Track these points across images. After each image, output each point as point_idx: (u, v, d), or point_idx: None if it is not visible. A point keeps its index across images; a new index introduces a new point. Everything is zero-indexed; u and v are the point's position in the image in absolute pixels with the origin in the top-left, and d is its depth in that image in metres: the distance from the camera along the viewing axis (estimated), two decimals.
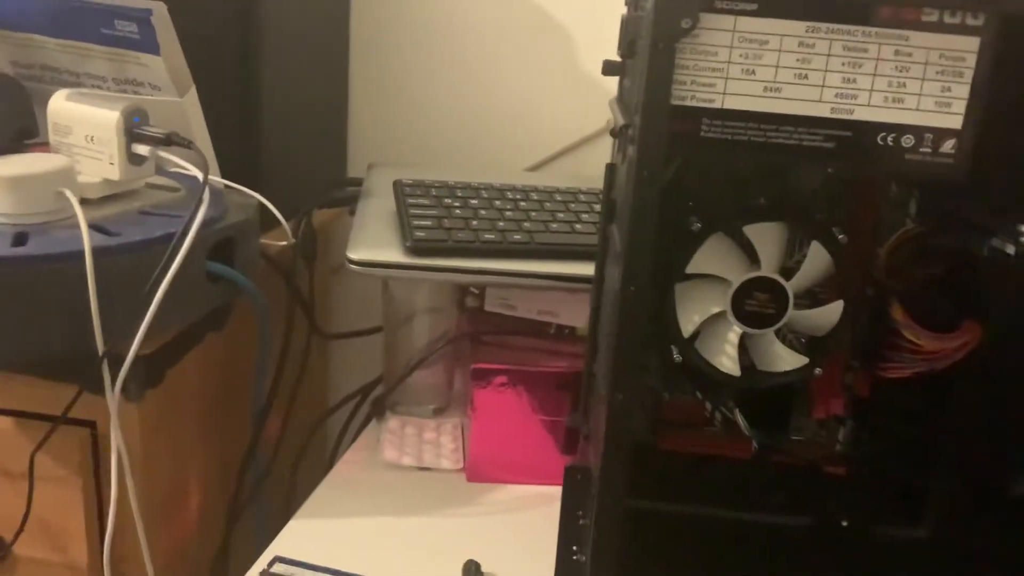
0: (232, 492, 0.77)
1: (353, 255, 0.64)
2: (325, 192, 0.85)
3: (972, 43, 0.41)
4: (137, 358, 0.59)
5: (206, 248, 0.63)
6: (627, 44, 0.49)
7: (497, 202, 0.72)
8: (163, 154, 0.63)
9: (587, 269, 0.59)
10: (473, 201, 0.71)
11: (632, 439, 0.61)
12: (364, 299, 0.99)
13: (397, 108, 1.00)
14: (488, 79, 0.98)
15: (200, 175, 0.59)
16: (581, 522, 0.51)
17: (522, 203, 0.72)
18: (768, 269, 0.51)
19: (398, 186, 0.74)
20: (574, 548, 0.52)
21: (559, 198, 0.74)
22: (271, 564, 0.58)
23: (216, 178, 0.71)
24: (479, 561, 0.59)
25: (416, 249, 0.64)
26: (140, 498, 0.62)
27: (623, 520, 0.49)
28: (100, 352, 0.57)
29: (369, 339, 0.88)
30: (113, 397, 0.58)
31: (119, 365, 0.58)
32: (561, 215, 0.71)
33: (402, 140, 1.00)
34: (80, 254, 0.55)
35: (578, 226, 0.69)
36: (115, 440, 0.59)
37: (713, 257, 0.52)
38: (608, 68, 0.55)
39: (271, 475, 0.79)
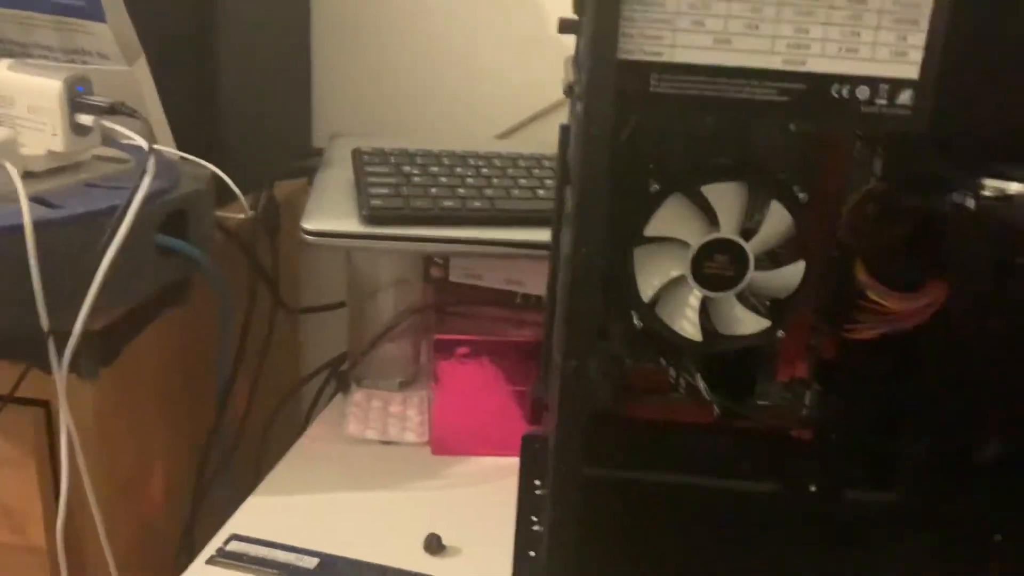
0: (197, 470, 0.76)
1: (308, 225, 0.62)
2: (287, 163, 0.83)
3: None
4: (89, 335, 0.57)
5: (156, 221, 0.61)
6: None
7: (458, 169, 0.70)
8: (108, 124, 0.61)
9: (549, 235, 0.58)
10: (434, 168, 0.70)
11: (593, 407, 0.60)
12: (333, 272, 0.97)
13: (363, 77, 0.98)
14: (456, 44, 0.96)
15: (145, 144, 0.57)
16: (539, 492, 0.50)
17: (484, 170, 0.70)
18: (727, 230, 0.50)
19: (356, 155, 0.72)
20: (533, 519, 0.51)
21: (522, 164, 0.72)
22: (227, 542, 0.57)
23: (170, 149, 0.70)
24: (441, 534, 0.58)
25: (372, 218, 0.62)
26: (97, 479, 0.60)
27: (581, 489, 0.48)
28: (45, 329, 0.55)
29: (342, 313, 0.86)
30: (61, 375, 0.57)
31: (66, 342, 0.56)
32: (524, 181, 0.69)
33: (369, 109, 0.98)
34: (21, 228, 0.54)
35: (541, 192, 0.68)
36: (64, 419, 0.57)
37: (671, 219, 0.50)
38: (564, 26, 0.53)
39: (238, 452, 0.78)
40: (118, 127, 0.60)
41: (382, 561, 0.56)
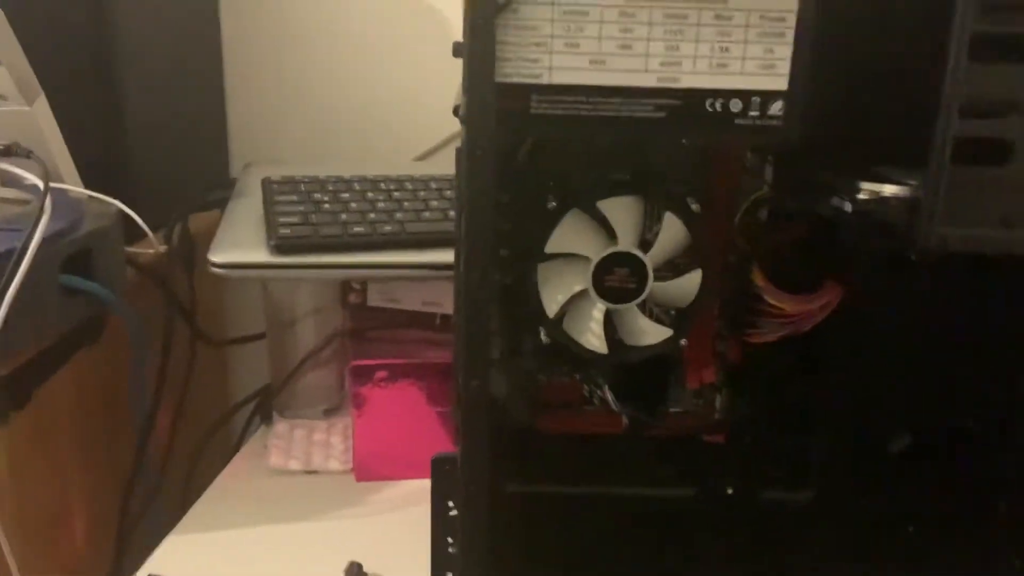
0: (121, 509, 0.75)
1: (215, 257, 0.62)
2: (204, 195, 0.82)
3: (791, 2, 0.41)
4: None
5: (58, 261, 0.60)
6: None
7: (370, 194, 0.70)
8: (4, 166, 0.60)
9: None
10: (344, 195, 0.70)
11: (507, 423, 0.61)
12: (257, 304, 0.97)
13: (279, 105, 0.97)
14: (370, 69, 0.96)
15: (41, 184, 0.57)
16: (452, 513, 0.50)
17: (396, 193, 0.71)
18: (625, 243, 0.51)
19: (266, 184, 0.72)
20: (448, 540, 0.52)
21: (434, 186, 0.73)
22: None
23: (75, 187, 0.69)
24: (363, 561, 0.58)
25: (281, 247, 0.62)
26: (12, 524, 0.59)
27: (500, 505, 0.49)
28: None
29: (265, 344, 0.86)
30: None
31: None
32: (435, 203, 0.70)
33: (286, 138, 0.98)
34: None
35: (452, 213, 0.68)
36: None
37: (571, 235, 0.51)
38: (456, 50, 0.54)
39: (164, 488, 0.76)
40: (14, 168, 0.60)
41: None
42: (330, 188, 0.71)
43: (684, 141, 0.54)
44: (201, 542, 0.62)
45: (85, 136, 0.71)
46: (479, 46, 0.40)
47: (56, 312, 0.61)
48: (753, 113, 0.42)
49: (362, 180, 0.73)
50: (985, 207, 0.42)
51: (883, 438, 0.63)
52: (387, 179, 0.73)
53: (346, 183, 0.72)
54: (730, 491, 0.62)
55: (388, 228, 0.65)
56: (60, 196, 0.64)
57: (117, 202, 0.69)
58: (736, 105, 0.42)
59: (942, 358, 0.59)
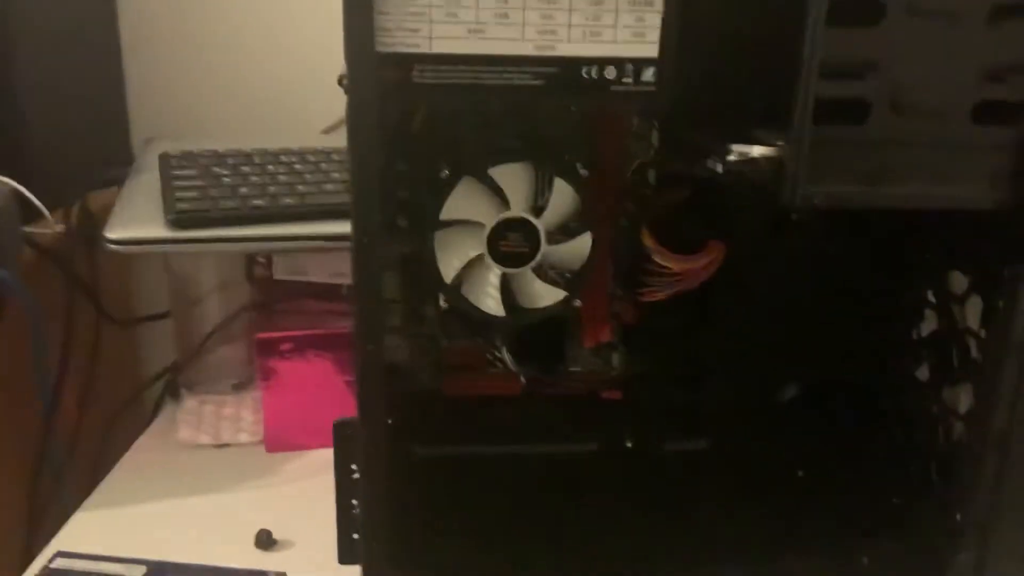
0: (29, 490, 0.74)
1: (111, 234, 0.62)
2: (100, 173, 0.81)
3: None
4: None
5: None
6: None
7: (271, 167, 0.70)
8: None
9: None
10: (244, 168, 0.70)
11: (412, 387, 0.62)
12: (164, 282, 0.96)
13: (180, 80, 0.96)
14: (275, 41, 0.95)
15: None
16: (355, 476, 0.51)
17: (297, 166, 0.71)
18: (518, 209, 0.52)
19: (164, 159, 0.72)
20: (353, 502, 0.53)
21: (336, 158, 0.73)
22: (51, 560, 0.56)
23: None
24: (272, 529, 0.59)
25: (178, 222, 0.62)
26: None
27: (403, 467, 0.50)
28: None
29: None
30: None
31: None
32: (336, 175, 0.70)
33: (188, 113, 0.96)
34: None
35: None
36: None
37: (464, 202, 0.52)
38: None
39: (74, 468, 0.76)
40: None
41: (213, 562, 0.56)
42: (230, 162, 0.71)
43: (573, 108, 0.55)
44: (110, 517, 0.62)
45: None
46: (357, 16, 0.41)
47: None
48: (627, 80, 0.44)
49: (263, 153, 0.73)
50: (847, 165, 0.45)
51: (771, 388, 0.66)
52: (288, 152, 0.73)
53: (246, 156, 0.72)
54: (629, 444, 0.64)
55: (289, 200, 0.65)
56: None
57: (11, 181, 0.68)
58: (611, 72, 0.44)
59: (822, 310, 0.63)
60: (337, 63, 0.95)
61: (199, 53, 0.96)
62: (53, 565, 0.55)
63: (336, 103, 0.96)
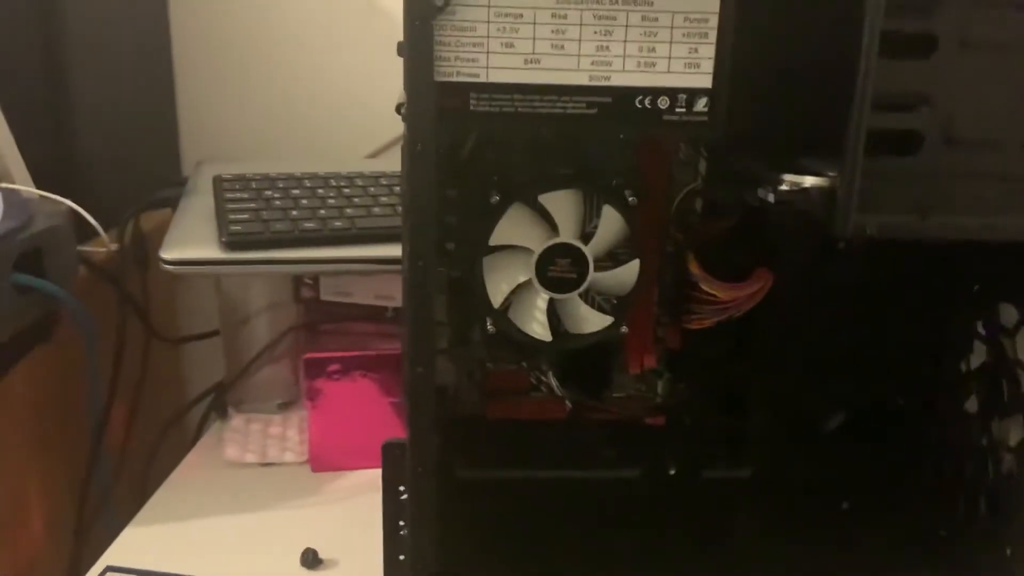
0: (78, 507, 0.75)
1: (166, 255, 0.63)
2: (155, 194, 0.83)
3: (713, 4, 0.43)
4: None
5: (10, 260, 0.61)
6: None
7: (320, 190, 0.72)
8: None
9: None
10: (295, 191, 0.71)
11: (458, 411, 0.62)
12: (213, 301, 0.98)
13: (231, 103, 0.98)
14: (321, 67, 0.97)
15: None
16: (403, 497, 0.52)
17: (346, 190, 0.72)
18: (566, 235, 0.53)
19: (217, 182, 0.73)
20: (400, 523, 0.53)
21: (384, 182, 0.74)
22: (102, 574, 0.57)
23: (25, 187, 0.69)
24: (318, 548, 0.59)
25: (232, 243, 0.63)
26: None
27: (447, 489, 0.51)
28: None
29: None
30: None
31: None
32: (384, 199, 0.71)
33: (237, 136, 0.98)
34: None
35: (401, 209, 0.70)
36: None
37: (513, 227, 0.53)
38: (399, 50, 0.56)
39: (120, 484, 0.77)
40: None
41: None
42: (281, 185, 0.72)
43: (623, 136, 0.56)
44: (158, 533, 0.63)
45: (35, 136, 0.72)
46: (418, 46, 0.42)
47: (9, 310, 0.62)
48: (680, 109, 0.45)
49: (313, 177, 0.74)
50: (898, 195, 0.45)
51: (816, 416, 0.66)
52: (337, 176, 0.75)
53: (297, 180, 0.73)
54: (672, 471, 0.64)
55: (338, 224, 0.67)
56: (11, 196, 0.65)
57: (68, 201, 0.70)
58: (664, 102, 0.44)
59: (871, 338, 0.62)
60: (380, 91, 0.98)
61: (248, 79, 0.98)
62: None
63: (380, 129, 0.99)
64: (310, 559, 0.59)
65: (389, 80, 0.95)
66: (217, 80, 0.97)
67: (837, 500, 0.63)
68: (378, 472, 0.69)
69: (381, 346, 0.71)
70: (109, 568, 0.57)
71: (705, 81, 0.44)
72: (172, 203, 0.81)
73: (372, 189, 0.73)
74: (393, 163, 0.91)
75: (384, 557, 0.52)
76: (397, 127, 1.04)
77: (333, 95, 0.98)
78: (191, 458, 0.73)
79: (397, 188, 0.74)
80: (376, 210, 0.69)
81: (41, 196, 0.70)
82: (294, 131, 0.98)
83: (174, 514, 0.65)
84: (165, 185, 0.87)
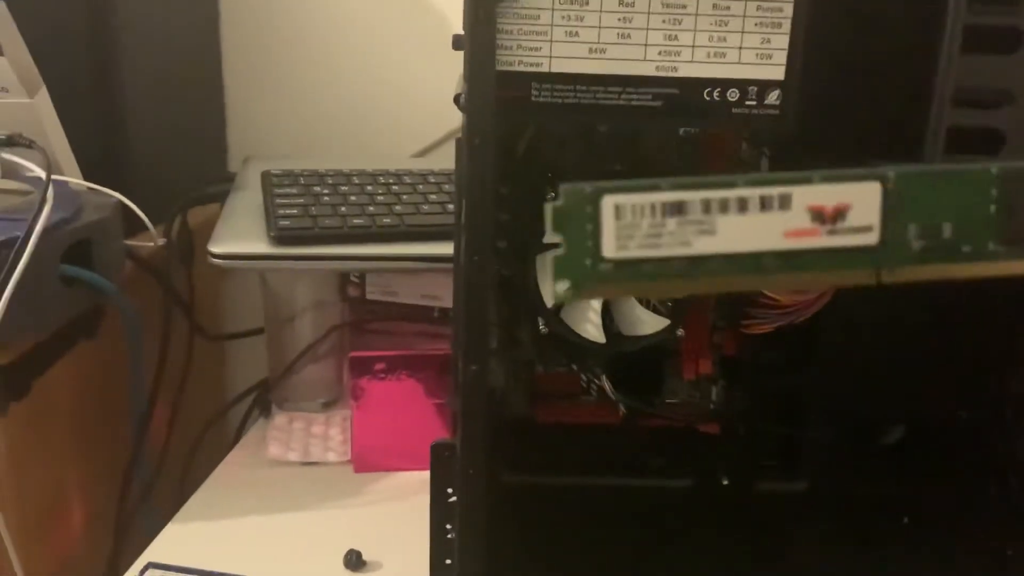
0: (119, 502, 0.75)
1: (216, 248, 0.63)
2: (202, 189, 0.83)
3: None
4: None
5: (58, 251, 0.61)
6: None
7: (369, 187, 0.71)
8: (7, 157, 0.60)
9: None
10: (343, 188, 0.70)
11: (505, 413, 0.61)
12: (257, 298, 0.97)
13: (278, 99, 0.98)
14: (368, 64, 0.97)
15: (43, 175, 0.57)
16: (451, 499, 0.50)
17: (395, 187, 0.71)
18: None
19: (266, 177, 0.73)
20: (447, 526, 0.52)
21: (432, 180, 0.73)
22: (143, 571, 0.56)
23: (74, 179, 0.69)
24: (361, 550, 0.58)
25: (280, 238, 0.62)
26: (11, 516, 0.59)
27: (497, 496, 0.49)
28: None
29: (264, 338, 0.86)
30: None
31: None
32: (434, 197, 0.70)
33: (285, 132, 0.98)
34: None
35: (450, 206, 0.69)
36: None
37: None
38: (456, 42, 0.54)
39: (160, 481, 0.77)
40: (16, 159, 0.60)
41: None
42: (329, 181, 0.71)
43: (680, 131, 0.54)
44: (201, 530, 0.62)
45: (84, 129, 0.72)
46: (481, 34, 0.41)
47: (56, 302, 0.62)
48: (750, 102, 0.43)
49: (361, 174, 0.73)
50: None
51: (876, 428, 0.63)
52: (386, 173, 0.74)
53: (345, 176, 0.73)
54: (725, 481, 0.62)
55: (387, 220, 0.66)
56: (60, 187, 0.64)
57: (117, 194, 0.69)
58: (733, 94, 0.43)
59: (935, 348, 0.60)
60: (427, 88, 0.97)
61: (294, 77, 0.98)
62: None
63: (426, 127, 0.98)
64: (353, 560, 0.58)
65: (435, 77, 0.95)
66: (264, 77, 0.97)
67: (897, 515, 0.61)
68: (421, 474, 0.68)
69: (425, 346, 0.69)
70: (151, 564, 0.56)
71: (778, 73, 0.42)
72: (219, 199, 0.81)
73: (420, 186, 0.72)
74: (439, 161, 0.90)
75: (431, 561, 0.51)
76: (443, 125, 1.03)
77: (379, 92, 0.97)
78: (233, 456, 0.72)
79: (446, 186, 0.73)
80: (425, 207, 0.68)
81: (90, 188, 0.70)
82: (339, 129, 0.98)
83: (216, 512, 0.64)
84: (211, 181, 0.86)
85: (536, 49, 0.42)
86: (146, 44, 0.79)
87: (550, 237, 0.51)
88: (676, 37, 0.42)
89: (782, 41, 0.42)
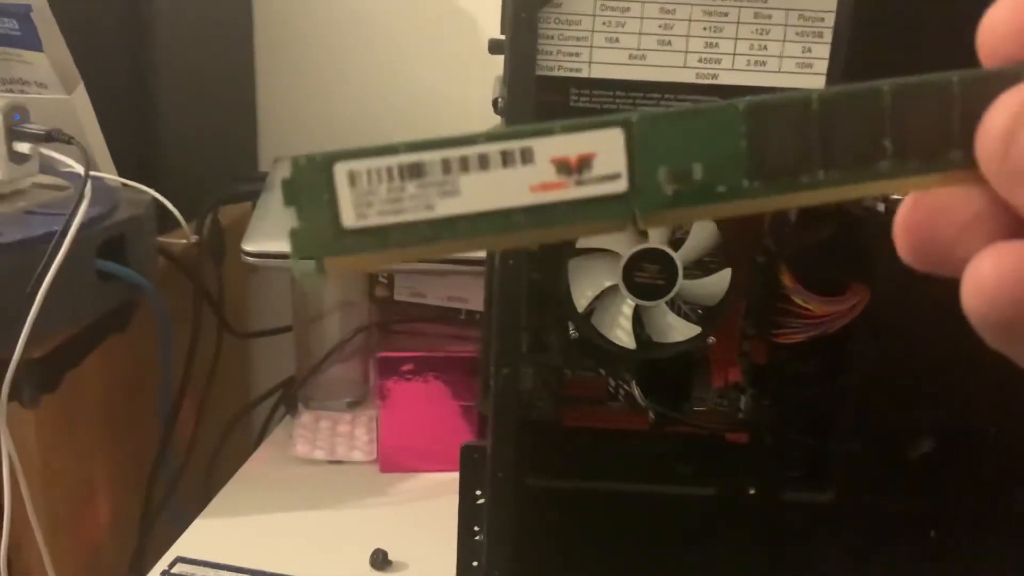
0: (145, 496, 0.75)
1: (249, 247, 0.63)
2: (233, 188, 0.83)
3: (830, 2, 0.42)
4: (30, 362, 0.57)
5: (94, 246, 0.61)
6: (504, 19, 0.49)
7: None
8: (46, 152, 0.61)
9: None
10: None
11: (533, 417, 0.61)
12: (283, 296, 0.98)
13: (309, 100, 0.99)
14: (400, 66, 0.97)
15: (82, 170, 0.58)
16: (479, 502, 0.50)
17: None
18: (656, 240, 0.52)
19: None
20: (475, 528, 0.52)
21: None
22: (172, 564, 0.57)
23: (109, 175, 0.70)
24: (387, 550, 0.58)
25: None
26: (40, 508, 0.60)
27: (523, 500, 0.49)
28: None
29: (292, 336, 0.87)
30: (1, 403, 0.56)
31: (6, 370, 0.56)
32: None
33: (315, 133, 0.99)
34: None
35: None
36: (5, 448, 0.57)
37: None
38: (492, 46, 0.55)
39: (186, 476, 0.77)
40: (55, 154, 0.61)
41: None
42: None
43: None
44: (228, 526, 0.62)
45: (119, 126, 0.73)
46: (522, 39, 0.41)
47: (91, 296, 0.62)
48: None
49: None
50: None
51: (905, 441, 0.63)
52: None
53: None
54: (752, 491, 0.62)
55: None
56: (96, 183, 0.65)
57: (151, 191, 0.70)
58: None
59: (964, 361, 0.60)
60: (458, 90, 0.97)
61: (326, 78, 0.98)
62: (174, 570, 0.56)
63: (459, 130, 0.98)
64: (380, 560, 0.58)
65: (466, 80, 0.95)
66: (295, 78, 0.98)
67: (925, 529, 0.61)
68: (447, 476, 0.68)
69: (452, 348, 0.70)
70: (179, 559, 0.57)
71: (818, 82, 0.42)
72: (250, 198, 0.82)
73: None
74: None
75: (458, 562, 0.51)
76: (477, 127, 1.03)
77: (410, 94, 0.97)
78: (260, 453, 0.73)
79: None
80: None
81: (124, 185, 0.70)
82: (370, 131, 0.98)
83: (243, 508, 0.65)
84: (241, 180, 0.87)
85: (576, 54, 0.42)
86: (181, 44, 0.80)
87: (583, 241, 0.52)
88: (717, 45, 0.42)
89: (823, 50, 0.42)
